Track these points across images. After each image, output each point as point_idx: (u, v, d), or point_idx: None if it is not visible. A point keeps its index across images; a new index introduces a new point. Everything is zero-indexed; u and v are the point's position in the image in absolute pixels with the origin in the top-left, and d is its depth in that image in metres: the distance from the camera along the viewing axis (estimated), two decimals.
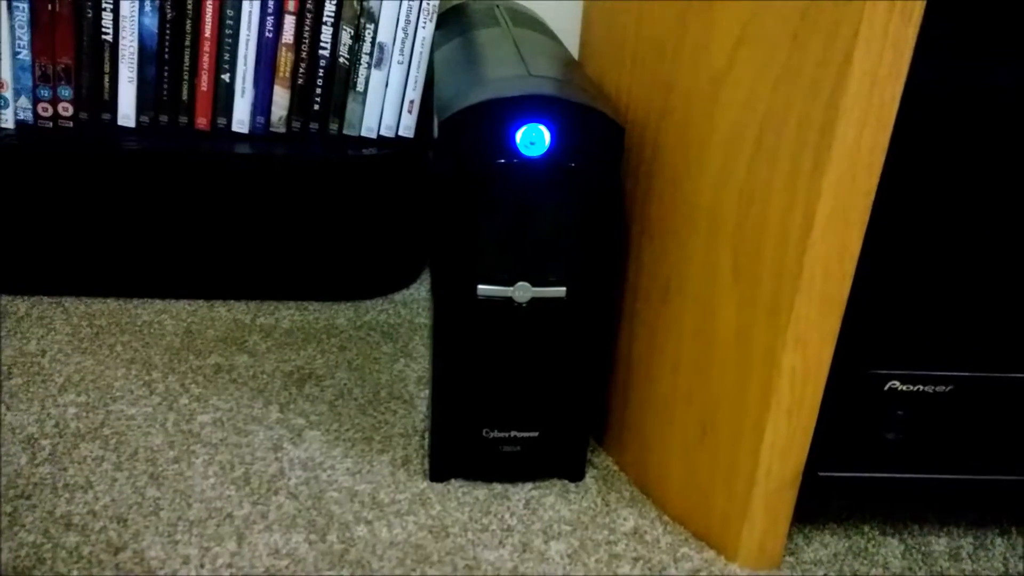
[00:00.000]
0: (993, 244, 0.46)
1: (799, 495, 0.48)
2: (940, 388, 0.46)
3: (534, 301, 0.50)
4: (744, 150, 0.43)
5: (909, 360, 0.46)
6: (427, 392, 0.63)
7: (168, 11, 0.68)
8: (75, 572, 0.46)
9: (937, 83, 0.42)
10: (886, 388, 0.46)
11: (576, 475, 0.56)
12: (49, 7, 0.67)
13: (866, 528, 0.53)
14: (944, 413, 0.47)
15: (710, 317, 0.47)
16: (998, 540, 0.53)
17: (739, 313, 0.45)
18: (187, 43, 0.69)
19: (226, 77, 0.70)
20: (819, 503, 0.55)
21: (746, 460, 0.47)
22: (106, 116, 0.71)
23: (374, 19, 0.70)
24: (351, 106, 0.71)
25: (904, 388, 0.46)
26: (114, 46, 0.69)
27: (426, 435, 0.59)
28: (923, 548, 0.52)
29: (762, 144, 0.42)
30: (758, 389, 0.45)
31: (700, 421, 0.49)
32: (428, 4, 0.69)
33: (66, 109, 0.70)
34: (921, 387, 0.46)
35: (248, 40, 0.69)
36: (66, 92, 0.70)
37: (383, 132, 0.73)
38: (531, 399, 0.53)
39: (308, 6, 0.69)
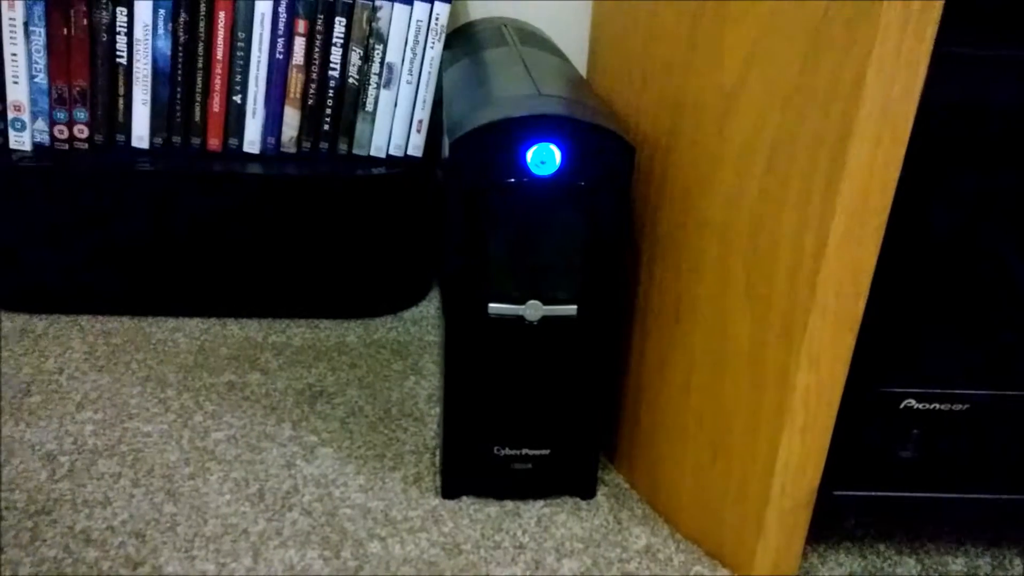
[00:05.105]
0: (1009, 261, 0.46)
1: (814, 514, 0.47)
2: (956, 406, 0.46)
3: (545, 319, 0.50)
4: (755, 168, 0.43)
5: (925, 378, 0.46)
6: (438, 409, 0.63)
7: (181, 34, 0.69)
8: None
9: (953, 99, 0.42)
10: (901, 406, 0.46)
11: (587, 493, 0.55)
12: (65, 31, 0.69)
13: (882, 547, 0.53)
14: (960, 431, 0.47)
15: (722, 336, 0.47)
16: (1016, 561, 0.53)
17: (752, 332, 0.45)
18: (199, 65, 0.70)
19: (238, 98, 0.71)
20: (834, 522, 0.54)
21: (760, 479, 0.46)
22: (120, 138, 0.72)
23: (383, 40, 0.70)
24: (360, 126, 0.72)
25: (920, 406, 0.46)
26: (128, 69, 0.70)
27: (437, 452, 0.59)
28: (940, 568, 0.52)
29: (774, 163, 0.42)
30: (772, 408, 0.45)
31: (712, 440, 0.49)
32: (436, 24, 0.70)
33: (81, 131, 0.71)
34: (937, 405, 0.46)
35: (259, 62, 0.70)
36: (82, 114, 0.71)
37: (392, 151, 0.73)
38: (542, 417, 0.53)
39: (318, 28, 0.70)
